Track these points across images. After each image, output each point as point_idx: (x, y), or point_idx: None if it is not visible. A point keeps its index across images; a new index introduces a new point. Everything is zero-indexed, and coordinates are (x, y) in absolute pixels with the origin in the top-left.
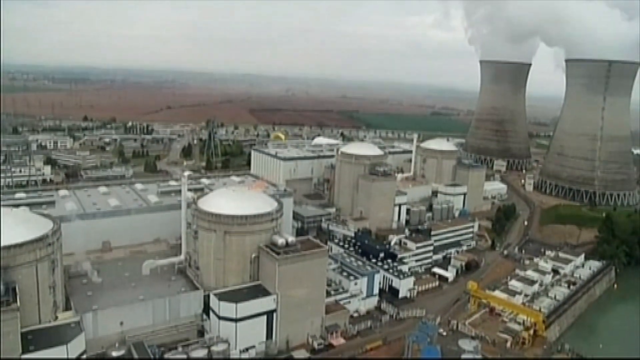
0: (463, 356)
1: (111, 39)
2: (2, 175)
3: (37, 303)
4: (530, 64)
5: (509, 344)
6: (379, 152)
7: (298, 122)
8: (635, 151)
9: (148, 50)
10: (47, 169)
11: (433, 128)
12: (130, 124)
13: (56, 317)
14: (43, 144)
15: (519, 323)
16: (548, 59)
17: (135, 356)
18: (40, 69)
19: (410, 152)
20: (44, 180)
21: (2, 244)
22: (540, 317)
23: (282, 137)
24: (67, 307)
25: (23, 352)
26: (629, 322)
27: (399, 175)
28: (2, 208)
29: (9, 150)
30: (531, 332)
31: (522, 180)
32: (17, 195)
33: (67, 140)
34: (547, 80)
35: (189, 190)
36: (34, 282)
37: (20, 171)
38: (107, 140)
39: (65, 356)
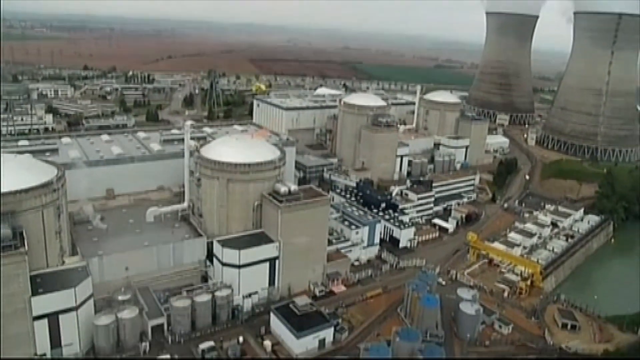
0: (461, 304)
1: None
2: (4, 123)
3: (44, 248)
4: (537, 17)
5: (506, 294)
6: (381, 103)
7: (300, 72)
8: None
9: None
10: (49, 118)
11: (436, 80)
12: (130, 73)
13: (63, 262)
14: (44, 92)
15: (516, 274)
16: (556, 12)
17: (141, 300)
18: (38, 17)
19: (413, 103)
20: (46, 129)
21: (8, 190)
22: (537, 268)
23: (263, 87)
24: (74, 253)
25: (32, 295)
26: (624, 276)
27: (402, 127)
28: (6, 155)
29: (10, 99)
30: (528, 282)
31: (525, 135)
32: (20, 142)
33: (67, 89)
34: (553, 35)
35: (192, 139)
36: (40, 228)
37: (22, 119)
38: (108, 89)
39: (73, 299)
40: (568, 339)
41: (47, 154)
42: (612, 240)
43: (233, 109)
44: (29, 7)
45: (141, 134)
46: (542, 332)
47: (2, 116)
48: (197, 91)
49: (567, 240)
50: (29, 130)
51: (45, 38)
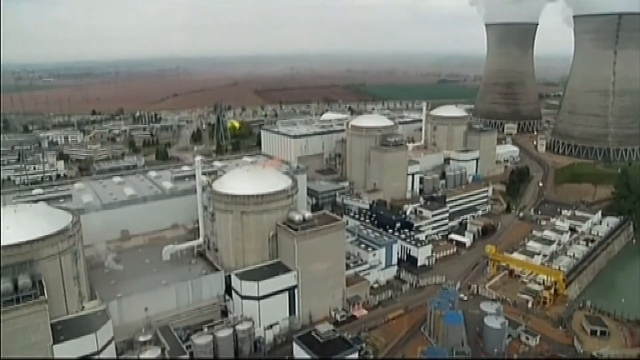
0: (485, 319)
1: (112, 31)
2: (17, 173)
3: (63, 294)
4: (537, 24)
5: (530, 304)
6: (389, 123)
7: (305, 99)
8: None
9: (149, 39)
10: (61, 164)
11: (441, 96)
12: (138, 113)
13: (83, 307)
14: (54, 140)
15: (539, 283)
16: (555, 17)
17: (162, 340)
18: (45, 67)
19: (420, 121)
20: (58, 176)
21: (25, 239)
22: (560, 275)
23: (237, 124)
24: (92, 297)
25: (54, 343)
26: None
27: (410, 145)
28: (21, 204)
29: (22, 149)
30: (552, 291)
31: (534, 142)
32: (34, 191)
33: (77, 134)
34: (554, 39)
35: (203, 174)
36: (58, 274)
37: (35, 168)
38: (116, 131)
39: (95, 344)
40: (599, 346)
41: (61, 200)
42: (634, 241)
43: (241, 141)
44: (36, 58)
45: (152, 173)
46: (571, 341)
47: (15, 166)
48: (204, 126)
49: (587, 244)
50: (42, 178)
51: (53, 86)
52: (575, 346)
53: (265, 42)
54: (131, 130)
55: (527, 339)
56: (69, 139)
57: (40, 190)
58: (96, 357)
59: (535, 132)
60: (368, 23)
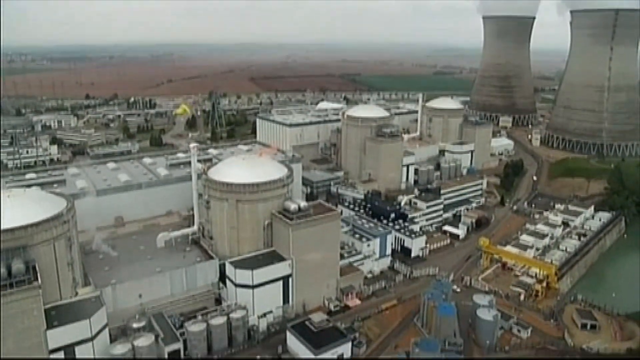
0: (478, 311)
1: (106, 15)
2: (10, 157)
3: (57, 280)
4: (534, 18)
5: (522, 297)
6: (384, 113)
7: (300, 88)
8: None
9: (144, 24)
10: (54, 149)
11: (436, 87)
12: (132, 99)
13: (76, 293)
14: (47, 124)
15: (531, 276)
16: (552, 12)
17: (156, 326)
18: (38, 50)
19: (416, 112)
20: (52, 160)
21: (19, 224)
22: (552, 269)
23: (187, 109)
24: (86, 283)
25: (47, 328)
26: None
27: (406, 136)
28: (15, 189)
29: (15, 132)
30: (544, 284)
31: (529, 136)
32: (28, 176)
33: (71, 119)
34: (551, 33)
35: (198, 161)
36: (52, 260)
37: (27, 152)
38: (110, 116)
39: (89, 330)
40: (589, 340)
41: (55, 185)
42: (625, 236)
43: (236, 129)
44: (29, 41)
45: (147, 160)
46: (561, 333)
47: (8, 150)
48: (199, 113)
49: (579, 239)
50: (35, 162)
51: (47, 70)
52: (566, 339)
53: (261, 30)
54: (125, 115)
55: (519, 331)
56: (63, 123)
57: (33, 175)
58: (89, 342)
59: (529, 126)
60: (365, 12)
